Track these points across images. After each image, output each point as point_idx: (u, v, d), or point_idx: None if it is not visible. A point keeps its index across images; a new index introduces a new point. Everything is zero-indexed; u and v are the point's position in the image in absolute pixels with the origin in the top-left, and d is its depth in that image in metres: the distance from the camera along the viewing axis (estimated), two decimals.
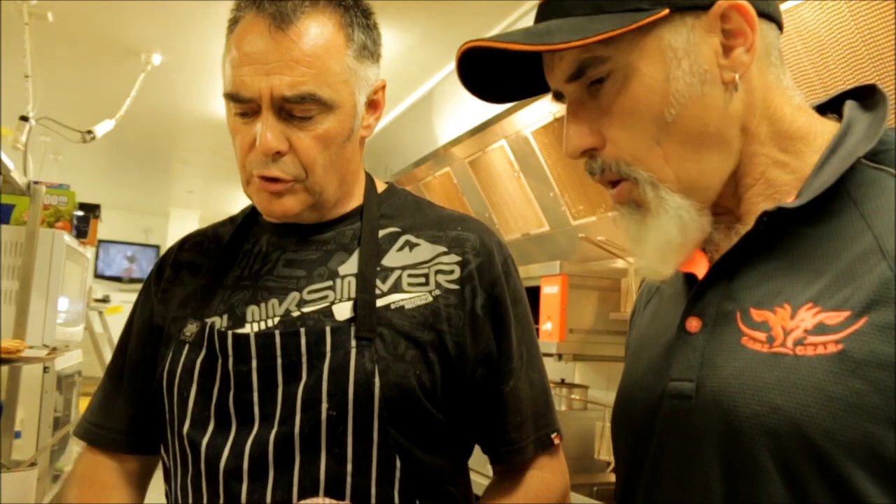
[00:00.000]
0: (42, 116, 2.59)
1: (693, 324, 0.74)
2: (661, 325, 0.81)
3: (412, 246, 1.04)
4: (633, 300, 3.28)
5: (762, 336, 0.68)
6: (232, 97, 0.97)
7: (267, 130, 0.95)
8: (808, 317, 0.66)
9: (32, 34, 2.83)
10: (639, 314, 0.95)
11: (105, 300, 6.01)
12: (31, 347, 1.91)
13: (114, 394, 1.11)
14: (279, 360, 0.96)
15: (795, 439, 0.63)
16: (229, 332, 0.98)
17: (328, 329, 0.96)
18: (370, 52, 1.03)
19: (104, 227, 7.84)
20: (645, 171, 0.74)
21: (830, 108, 0.80)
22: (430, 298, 0.99)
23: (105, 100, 3.78)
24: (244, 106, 0.96)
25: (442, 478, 1.02)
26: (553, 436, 1.05)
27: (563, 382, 3.72)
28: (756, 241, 0.73)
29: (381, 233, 1.05)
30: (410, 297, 0.99)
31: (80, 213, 2.60)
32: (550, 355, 3.29)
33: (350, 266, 1.02)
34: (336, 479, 0.94)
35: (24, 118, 2.50)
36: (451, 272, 1.01)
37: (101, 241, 8.28)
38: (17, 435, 2.04)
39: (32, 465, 1.76)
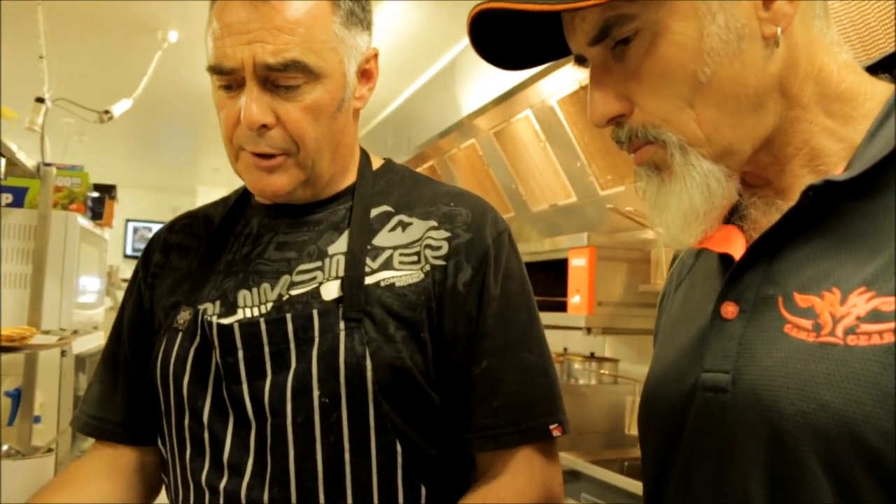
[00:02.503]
0: (58, 98, 2.56)
1: (729, 309, 0.67)
2: (694, 310, 0.74)
3: (405, 226, 0.99)
4: (663, 272, 3.21)
5: (808, 324, 0.61)
6: (214, 69, 0.92)
7: (251, 102, 0.91)
8: (860, 302, 0.59)
9: (46, 14, 2.79)
10: (669, 298, 0.87)
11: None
12: (45, 332, 1.89)
13: (110, 385, 1.08)
14: (266, 349, 0.92)
15: (847, 440, 0.56)
16: (214, 323, 0.94)
17: (315, 312, 0.92)
18: (359, 18, 0.98)
19: (131, 207, 7.89)
20: (675, 133, 0.67)
21: (882, 68, 0.72)
22: (422, 276, 0.94)
23: (122, 79, 3.74)
24: (227, 78, 0.92)
25: (447, 464, 0.97)
26: (552, 427, 0.95)
27: (592, 356, 3.66)
28: (800, 219, 0.65)
29: (374, 211, 1.00)
30: (402, 275, 0.94)
31: (96, 194, 2.57)
32: (579, 329, 3.23)
33: (340, 245, 0.97)
34: (334, 468, 0.90)
35: (40, 100, 2.46)
36: (440, 248, 0.96)
37: (128, 221, 8.34)
38: (37, 419, 2.03)
39: (49, 450, 1.74)
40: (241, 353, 0.92)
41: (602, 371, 3.50)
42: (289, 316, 0.92)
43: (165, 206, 8.08)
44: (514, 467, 0.94)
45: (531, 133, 3.52)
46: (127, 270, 6.78)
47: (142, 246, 8.47)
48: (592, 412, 3.30)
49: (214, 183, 7.63)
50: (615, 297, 3.31)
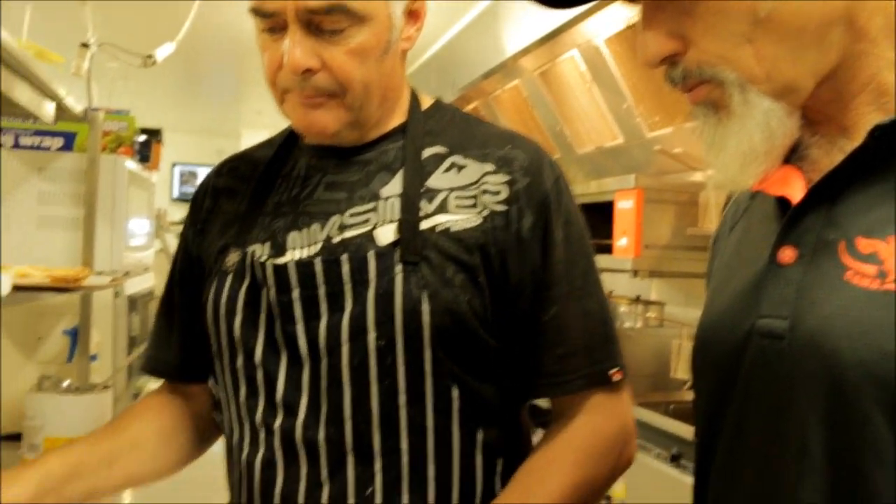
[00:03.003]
0: (102, 42, 2.56)
1: (787, 254, 0.65)
2: (749, 254, 0.72)
3: (459, 167, 0.97)
4: (712, 215, 3.15)
5: (871, 270, 0.59)
6: (256, 12, 0.91)
7: (295, 47, 0.89)
8: None
9: None
10: (723, 240, 0.85)
11: (182, 222, 6.12)
12: (98, 274, 1.93)
13: (166, 327, 1.11)
14: (321, 289, 0.92)
15: None
16: (269, 263, 0.94)
17: (371, 254, 0.91)
18: None
19: (177, 151, 7.97)
20: (733, 72, 0.64)
21: None
22: (479, 220, 0.93)
23: (165, 23, 3.73)
24: (269, 21, 0.91)
25: (503, 408, 0.97)
26: (612, 371, 0.96)
27: (638, 299, 3.64)
28: (865, 160, 0.62)
29: (426, 152, 0.99)
30: (457, 220, 0.93)
31: (143, 137, 2.59)
32: (625, 272, 3.20)
33: (393, 187, 0.96)
34: (389, 411, 0.91)
35: (85, 45, 2.46)
36: (498, 193, 0.95)
37: (174, 164, 8.43)
38: (94, 358, 2.08)
39: (106, 387, 1.80)
40: (296, 293, 0.92)
41: (648, 314, 3.48)
42: (344, 257, 0.91)
43: (210, 149, 8.14)
44: (589, 408, 0.95)
45: (577, 74, 3.45)
46: (174, 213, 6.90)
47: (189, 189, 8.62)
48: (638, 355, 3.29)
49: (258, 125, 7.66)
50: (662, 240, 3.27)
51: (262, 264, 0.94)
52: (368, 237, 0.93)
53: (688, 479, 2.91)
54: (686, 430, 2.88)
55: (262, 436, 0.95)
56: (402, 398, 0.90)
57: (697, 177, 3.29)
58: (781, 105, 0.65)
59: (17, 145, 2.18)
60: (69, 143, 2.17)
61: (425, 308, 0.89)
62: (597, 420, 0.96)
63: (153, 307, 2.70)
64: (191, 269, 1.07)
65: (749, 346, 0.66)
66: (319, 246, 0.94)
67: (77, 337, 2.06)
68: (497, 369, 0.95)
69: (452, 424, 0.92)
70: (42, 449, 1.71)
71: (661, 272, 3.41)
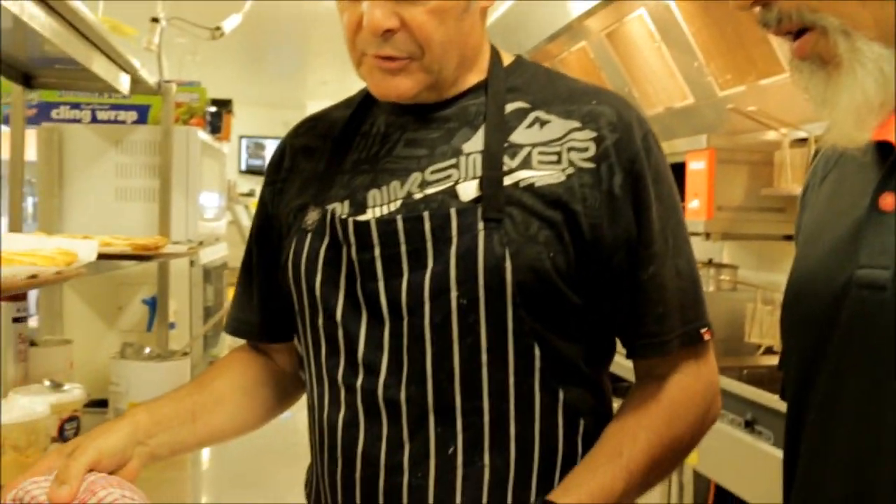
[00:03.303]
0: (172, 17, 2.60)
1: (889, 201, 0.62)
2: (845, 203, 0.69)
3: (542, 123, 0.95)
4: (788, 175, 3.06)
5: None
6: None
7: (374, 7, 0.88)
8: None
9: None
10: (813, 191, 0.82)
11: (251, 194, 6.23)
12: (174, 243, 1.97)
13: (247, 287, 1.12)
14: (403, 247, 0.91)
15: None
16: (350, 220, 0.94)
17: (453, 211, 0.90)
18: None
19: (244, 123, 8.09)
20: (835, 16, 0.61)
21: None
22: (564, 177, 0.91)
23: None
24: None
25: (585, 368, 0.96)
26: (703, 331, 0.94)
27: (710, 262, 3.56)
28: None
29: (509, 108, 0.97)
30: (541, 175, 0.91)
31: (213, 109, 2.63)
32: (698, 234, 3.14)
33: (475, 143, 0.94)
34: (470, 371, 0.90)
35: (155, 19, 2.50)
36: (586, 149, 0.92)
37: (242, 137, 8.57)
38: (172, 326, 2.14)
39: (185, 354, 1.84)
40: (377, 250, 0.92)
41: (721, 277, 3.40)
42: (425, 214, 0.90)
43: (277, 121, 8.24)
44: (681, 367, 0.94)
45: (645, 33, 3.36)
46: (243, 185, 7.01)
47: (256, 162, 8.74)
48: (711, 319, 3.23)
49: (323, 96, 7.70)
50: (735, 202, 3.19)
51: (344, 221, 0.94)
52: (450, 193, 0.92)
53: (762, 445, 2.86)
54: (761, 396, 2.82)
55: (343, 395, 0.95)
56: (485, 357, 0.89)
57: (772, 136, 3.19)
58: (892, 50, 0.61)
59: (94, 120, 2.24)
60: (143, 116, 2.22)
61: (508, 265, 0.87)
62: (685, 379, 0.94)
63: (227, 277, 2.76)
64: (269, 229, 1.07)
65: (847, 299, 0.64)
66: (400, 203, 0.93)
67: (156, 306, 2.11)
68: (580, 328, 0.94)
69: (534, 384, 0.91)
70: None
71: (734, 235, 3.33)
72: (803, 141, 3.06)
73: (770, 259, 3.62)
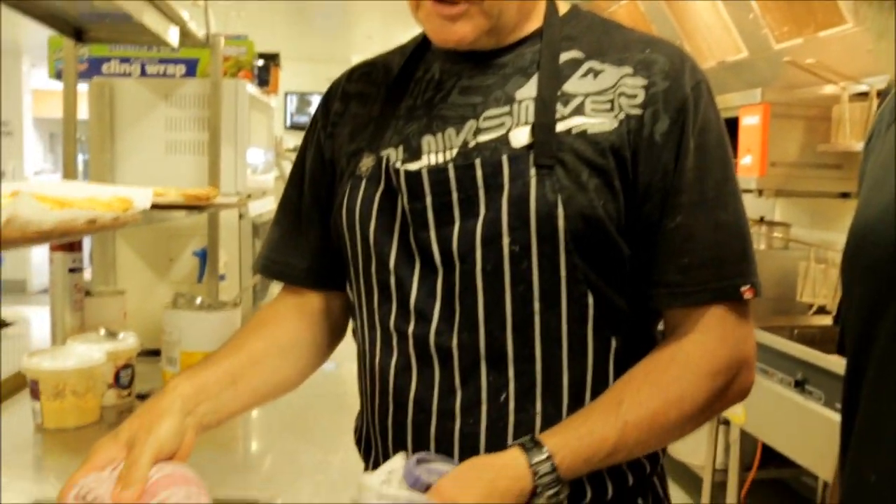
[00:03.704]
0: None
1: None
2: None
3: (596, 73, 0.93)
4: (846, 130, 2.97)
5: None
6: None
7: None
8: None
9: None
10: (878, 137, 0.79)
11: (296, 150, 6.25)
12: (224, 195, 1.99)
13: (292, 230, 1.10)
14: (454, 196, 0.90)
15: None
16: (402, 169, 0.93)
17: (505, 158, 0.89)
18: None
19: (289, 79, 8.09)
20: None
21: None
22: (616, 124, 0.89)
23: None
24: None
25: (636, 317, 0.94)
26: (743, 288, 0.89)
27: (762, 220, 3.50)
28: None
29: (563, 57, 0.95)
30: (594, 122, 0.89)
31: (261, 62, 2.63)
32: (750, 191, 3.08)
33: (528, 90, 0.93)
34: (523, 318, 0.89)
35: None
36: (635, 96, 0.90)
37: (287, 93, 8.58)
38: (222, 278, 2.17)
39: (236, 304, 1.87)
40: (428, 200, 0.91)
41: (774, 235, 3.34)
42: (477, 162, 0.89)
43: (322, 76, 8.22)
44: (704, 325, 0.90)
45: None
46: (289, 141, 7.04)
47: (302, 119, 8.75)
48: (762, 278, 3.18)
49: (368, 51, 7.65)
50: (790, 158, 3.11)
51: (396, 171, 0.93)
52: (503, 140, 0.91)
53: (812, 405, 2.82)
54: (812, 355, 2.78)
55: (395, 341, 0.96)
56: (537, 305, 0.89)
57: (830, 89, 3.09)
58: None
59: (144, 74, 2.26)
60: (192, 69, 2.23)
61: (560, 212, 0.86)
62: (709, 340, 0.90)
63: None
64: (323, 172, 1.06)
65: None
66: (455, 151, 0.92)
67: (206, 258, 2.14)
68: (629, 277, 0.92)
69: (587, 332, 0.90)
70: (179, 362, 1.80)
71: (788, 192, 3.26)
72: (863, 95, 2.97)
73: (825, 217, 3.54)
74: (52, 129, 10.11)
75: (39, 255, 8.89)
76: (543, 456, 0.84)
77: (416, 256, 0.93)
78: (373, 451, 1.02)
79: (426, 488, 0.83)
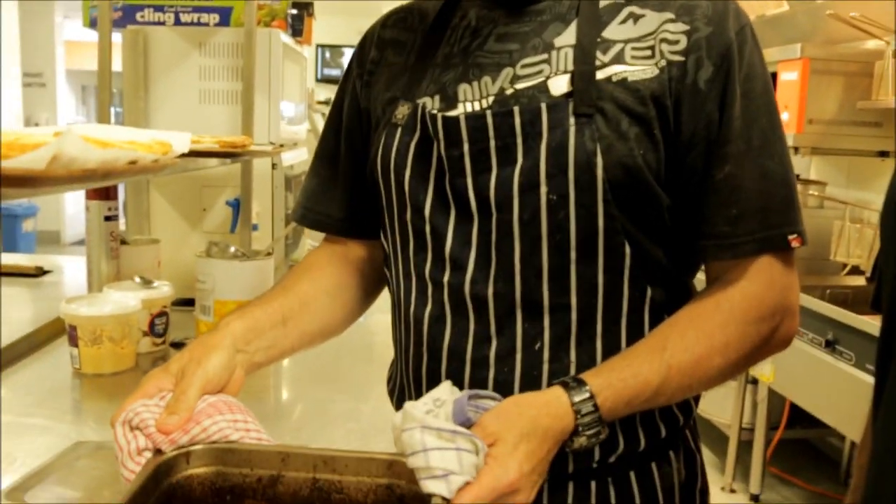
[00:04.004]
0: None
1: None
2: None
3: (636, 18, 0.91)
4: (888, 86, 2.90)
5: None
6: None
7: None
8: None
9: None
10: None
11: (327, 102, 6.23)
12: (257, 145, 1.99)
13: (329, 179, 1.10)
14: (492, 143, 0.89)
15: None
16: (439, 115, 0.92)
17: (544, 106, 0.87)
18: None
19: (320, 32, 8.04)
20: None
21: None
22: (657, 71, 0.87)
23: None
24: None
25: (672, 267, 0.94)
26: (791, 237, 0.89)
27: (797, 178, 3.45)
28: None
29: (603, 2, 0.93)
30: (634, 70, 0.87)
31: (294, 11, 2.61)
32: None
33: (567, 37, 0.91)
34: (559, 267, 0.89)
35: None
36: (677, 42, 0.88)
37: (319, 46, 8.53)
38: (255, 228, 2.18)
39: (269, 254, 1.88)
40: (466, 147, 0.90)
41: (810, 192, 3.29)
42: (516, 109, 0.88)
43: (352, 28, 8.16)
44: (750, 274, 0.89)
45: None
46: (320, 94, 6.99)
47: (333, 72, 8.65)
48: (806, 242, 3.15)
49: (400, 2, 7.60)
50: (828, 115, 3.05)
51: (433, 117, 0.92)
52: (541, 88, 0.89)
53: (842, 366, 2.80)
54: (843, 315, 2.76)
55: (430, 290, 0.96)
56: (573, 254, 0.88)
57: (873, 44, 3.02)
58: None
59: (177, 22, 2.25)
60: (225, 18, 2.22)
61: (599, 161, 0.85)
62: (755, 287, 0.90)
63: None
64: (359, 121, 1.06)
65: None
66: (492, 99, 0.91)
67: (239, 208, 2.15)
68: (668, 227, 0.91)
69: (623, 283, 0.90)
70: (213, 311, 1.82)
71: (825, 150, 3.20)
72: None
73: (861, 176, 3.48)
74: (85, 81, 10.17)
75: (73, 207, 9.02)
76: (586, 395, 0.84)
77: (452, 204, 0.93)
78: (405, 400, 1.02)
79: (471, 426, 0.82)
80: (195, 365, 0.90)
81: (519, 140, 0.88)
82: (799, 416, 3.45)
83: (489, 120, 0.89)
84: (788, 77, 3.02)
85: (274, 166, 2.20)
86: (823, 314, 2.85)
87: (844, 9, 2.92)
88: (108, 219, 1.88)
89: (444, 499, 0.77)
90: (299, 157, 2.56)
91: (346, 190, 1.09)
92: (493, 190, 0.89)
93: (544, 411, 0.83)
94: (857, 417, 2.77)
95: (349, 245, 1.11)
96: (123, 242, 1.96)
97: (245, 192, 2.10)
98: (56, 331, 1.87)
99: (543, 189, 0.87)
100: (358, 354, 1.86)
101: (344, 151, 1.08)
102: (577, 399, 0.84)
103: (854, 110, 3.09)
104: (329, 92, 7.92)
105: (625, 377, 0.86)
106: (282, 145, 2.23)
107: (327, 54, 8.71)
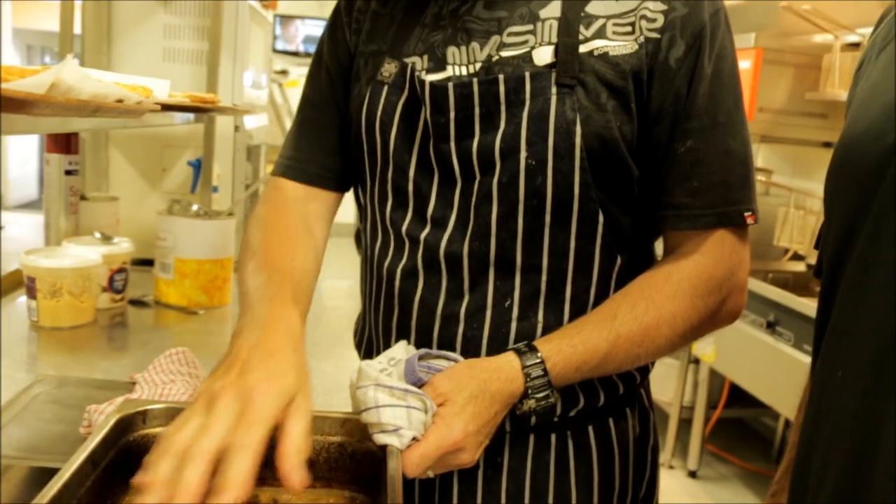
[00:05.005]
0: None
1: None
2: None
3: None
4: (835, 79, 3.00)
5: None
6: None
7: None
8: None
9: None
10: (868, 64, 0.81)
11: (284, 73, 6.17)
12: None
13: (306, 127, 1.09)
14: (477, 110, 0.92)
15: None
16: (427, 81, 0.94)
17: (528, 75, 0.90)
18: None
19: (282, 3, 7.91)
20: None
21: None
22: (636, 47, 0.91)
23: None
24: None
25: (638, 236, 0.98)
26: (747, 214, 0.93)
27: None
28: None
29: None
30: (615, 45, 0.91)
31: None
32: None
33: (552, 10, 0.94)
34: (533, 230, 0.92)
35: None
36: (655, 20, 0.91)
37: (277, 16, 8.42)
38: (215, 189, 2.18)
39: (231, 214, 1.88)
40: (452, 114, 0.92)
41: (757, 179, 3.38)
42: (500, 77, 0.90)
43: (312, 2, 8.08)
44: (704, 248, 0.93)
45: None
46: (276, 64, 6.86)
47: (289, 47, 8.47)
48: (759, 220, 3.24)
49: None
50: (777, 104, 3.15)
51: (422, 82, 0.94)
52: (526, 58, 0.92)
53: (782, 346, 2.91)
54: (784, 298, 2.86)
55: (407, 246, 0.98)
56: (548, 218, 0.91)
57: (823, 38, 3.12)
58: None
59: None
60: None
61: (578, 130, 0.88)
62: (706, 261, 0.93)
63: (267, 155, 2.78)
64: (341, 72, 1.06)
65: (894, 160, 0.65)
66: (479, 65, 0.93)
67: (200, 168, 2.14)
68: (636, 199, 0.95)
69: (595, 249, 0.93)
70: (173, 269, 1.82)
71: (773, 138, 3.30)
72: (855, 46, 2.99)
73: (806, 165, 3.60)
74: (31, 40, 9.87)
75: (17, 170, 8.79)
76: (536, 360, 0.88)
77: (436, 168, 0.95)
78: (373, 352, 1.05)
79: (422, 385, 0.86)
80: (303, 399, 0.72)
81: (503, 107, 0.91)
82: (737, 397, 3.57)
83: (475, 88, 0.91)
84: (742, 66, 3.10)
85: (237, 129, 2.19)
86: (765, 296, 2.95)
87: (799, 3, 3.01)
88: (68, 173, 1.86)
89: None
90: (260, 123, 2.55)
91: (322, 138, 1.08)
92: (475, 154, 0.92)
93: (495, 375, 0.87)
94: (793, 396, 2.88)
95: (321, 196, 1.08)
96: (83, 198, 1.94)
97: (207, 153, 2.09)
98: (12, 284, 1.85)
99: (523, 154, 0.90)
100: (317, 317, 1.88)
101: (327, 101, 1.08)
102: (527, 363, 0.88)
103: (802, 101, 3.18)
104: (284, 63, 7.83)
105: (574, 343, 0.89)
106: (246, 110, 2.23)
107: (284, 24, 8.61)
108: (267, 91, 2.80)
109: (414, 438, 0.82)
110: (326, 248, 1.09)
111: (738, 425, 4.11)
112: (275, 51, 8.58)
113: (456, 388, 0.85)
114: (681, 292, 0.92)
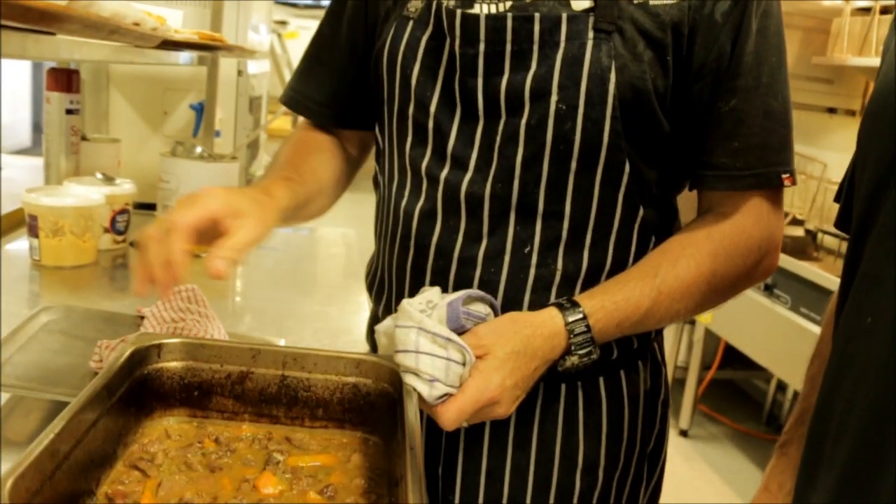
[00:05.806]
0: None
1: None
2: None
3: None
4: (843, 44, 2.97)
5: None
6: None
7: None
8: None
9: None
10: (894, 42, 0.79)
11: (283, 23, 6.09)
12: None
13: (322, 64, 1.09)
14: (508, 46, 0.89)
15: None
16: (458, 11, 0.91)
17: (564, 16, 0.88)
18: None
19: None
20: None
21: None
22: None
23: None
24: None
25: (662, 191, 0.96)
26: (784, 176, 0.92)
27: None
28: None
29: None
30: None
31: None
32: None
33: None
34: (557, 178, 0.90)
35: None
36: None
37: None
38: (217, 134, 2.15)
39: (234, 158, 1.86)
40: (482, 46, 0.90)
41: None
42: (536, 16, 0.88)
43: None
44: (743, 208, 0.93)
45: None
46: (276, 13, 6.77)
47: None
48: (796, 182, 3.22)
49: None
50: None
51: (451, 12, 0.91)
52: (563, 2, 0.89)
53: (779, 309, 2.93)
54: (783, 261, 2.87)
55: (424, 185, 0.97)
56: (574, 164, 0.90)
57: (831, 2, 3.08)
58: None
59: None
60: None
61: (612, 78, 0.86)
62: (745, 221, 0.94)
63: (268, 107, 2.74)
64: (364, 11, 1.04)
65: None
66: (510, 3, 0.91)
67: (203, 111, 2.12)
68: (665, 153, 0.94)
69: (618, 198, 0.92)
70: None
71: None
72: (866, 11, 2.96)
73: (809, 130, 3.58)
74: None
75: (9, 116, 8.67)
76: (579, 316, 0.87)
77: (458, 103, 0.93)
78: (385, 293, 1.05)
79: (463, 332, 0.85)
80: (254, 222, 0.83)
81: (536, 47, 0.88)
82: (730, 358, 3.60)
83: (509, 22, 0.89)
84: None
85: (240, 73, 2.16)
86: None
87: None
88: (69, 112, 1.83)
89: (420, 398, 0.80)
90: (262, 69, 2.52)
91: (337, 77, 1.07)
92: (503, 93, 0.90)
93: (538, 331, 0.86)
94: (788, 358, 2.90)
95: (341, 134, 1.11)
96: (84, 139, 1.92)
97: (210, 96, 2.06)
98: (11, 224, 1.83)
99: (554, 98, 0.88)
100: (318, 263, 1.88)
101: (343, 40, 1.07)
102: (570, 319, 0.87)
103: (808, 65, 3.16)
104: (283, 14, 7.71)
105: (617, 300, 0.89)
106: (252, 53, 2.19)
107: None
108: (270, 39, 2.76)
109: (445, 395, 0.81)
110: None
111: (730, 387, 4.14)
112: (275, 1, 8.48)
113: (500, 342, 0.84)
114: (722, 251, 0.93)
